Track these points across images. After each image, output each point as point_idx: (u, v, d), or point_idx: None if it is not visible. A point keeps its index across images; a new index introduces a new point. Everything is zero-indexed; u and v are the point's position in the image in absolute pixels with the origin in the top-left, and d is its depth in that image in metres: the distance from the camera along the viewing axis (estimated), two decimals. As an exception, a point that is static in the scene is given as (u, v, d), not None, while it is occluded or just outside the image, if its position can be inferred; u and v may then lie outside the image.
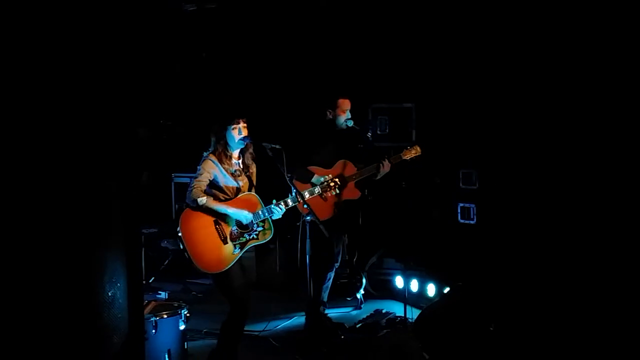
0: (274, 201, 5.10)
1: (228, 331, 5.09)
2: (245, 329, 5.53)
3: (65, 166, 3.56)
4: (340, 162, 6.09)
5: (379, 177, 6.13)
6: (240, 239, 5.04)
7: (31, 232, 3.42)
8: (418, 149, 6.13)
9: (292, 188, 5.13)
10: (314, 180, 5.87)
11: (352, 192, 6.13)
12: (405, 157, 6.10)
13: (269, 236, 5.15)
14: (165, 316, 5.01)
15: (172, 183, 8.82)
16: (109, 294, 3.68)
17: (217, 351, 5.13)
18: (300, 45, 8.20)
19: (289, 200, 5.14)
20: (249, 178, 5.22)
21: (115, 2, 3.85)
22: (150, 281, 7.74)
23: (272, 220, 5.14)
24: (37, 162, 3.46)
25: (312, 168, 5.96)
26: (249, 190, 5.18)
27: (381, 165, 6.02)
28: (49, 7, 3.48)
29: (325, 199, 5.85)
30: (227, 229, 5.01)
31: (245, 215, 5.00)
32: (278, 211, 5.08)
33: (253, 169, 5.27)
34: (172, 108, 8.88)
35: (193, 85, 8.89)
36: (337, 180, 5.47)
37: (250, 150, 5.19)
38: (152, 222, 8.06)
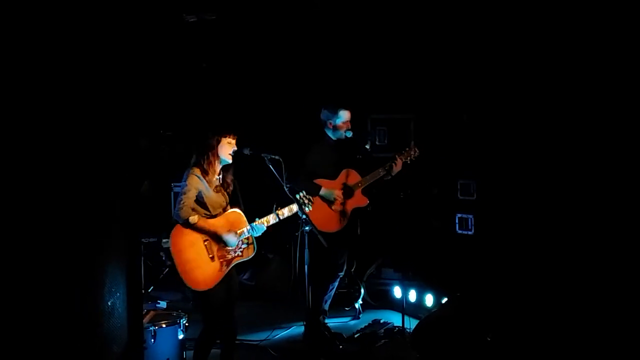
0: (257, 219, 5.11)
1: (199, 347, 5.09)
2: (244, 338, 5.55)
3: (66, 176, 3.59)
4: (344, 172, 6.13)
5: (393, 175, 6.11)
6: (227, 256, 5.04)
7: (32, 241, 3.45)
8: (416, 149, 6.18)
9: (293, 198, 5.13)
10: (322, 193, 5.94)
11: (359, 200, 6.16)
12: (405, 159, 6.13)
13: (252, 253, 5.15)
14: (164, 325, 5.03)
15: (172, 192, 8.83)
16: (109, 304, 3.71)
17: None
18: (300, 56, 8.23)
19: (270, 218, 5.15)
20: (226, 193, 5.21)
21: (117, 14, 3.89)
22: (149, 290, 7.74)
23: (255, 237, 5.15)
24: (39, 172, 3.49)
25: (318, 181, 5.99)
26: (226, 207, 5.17)
27: (394, 164, 6.05)
28: (52, 20, 3.52)
29: (334, 210, 5.92)
30: (215, 247, 5.00)
31: (232, 241, 5.01)
32: (259, 229, 5.10)
33: (231, 187, 5.26)
34: (171, 118, 8.91)
35: (193, 96, 8.92)
36: (310, 197, 5.42)
37: (231, 172, 5.18)
38: (151, 232, 8.06)
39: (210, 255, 4.98)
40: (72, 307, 3.53)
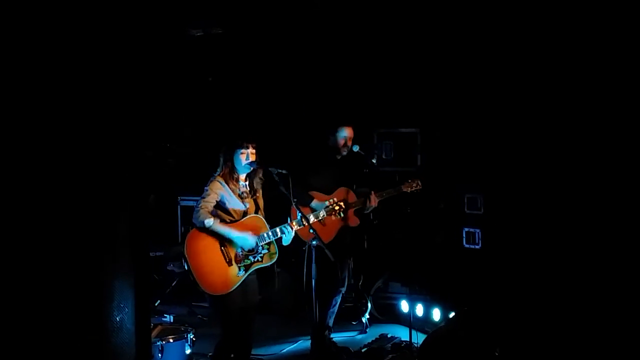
0: (287, 224, 5.13)
1: (218, 353, 5.10)
2: (251, 353, 5.50)
3: (73, 190, 3.59)
4: (341, 190, 6.08)
5: (367, 212, 6.14)
6: (245, 261, 5.05)
7: (39, 256, 3.45)
8: (419, 182, 6.17)
9: (298, 212, 5.15)
10: (312, 205, 5.88)
11: (352, 220, 6.14)
12: (405, 190, 6.13)
13: (274, 259, 5.16)
14: (171, 340, 5.03)
15: (178, 206, 8.85)
16: (117, 319, 3.70)
17: None
18: (306, 70, 8.26)
19: (294, 223, 5.17)
20: (255, 201, 5.25)
21: (124, 28, 3.91)
22: (156, 304, 7.74)
23: (278, 244, 5.16)
24: (47, 186, 3.50)
25: (312, 193, 5.97)
26: (257, 212, 5.20)
27: (368, 200, 6.02)
28: (60, 35, 3.54)
29: (323, 224, 5.87)
30: (232, 251, 5.02)
31: (247, 240, 5.01)
32: (288, 232, 5.11)
33: (260, 193, 5.30)
34: (178, 131, 8.94)
35: (199, 109, 8.96)
36: (341, 204, 5.48)
37: (260, 175, 5.22)
38: (158, 245, 8.07)
39: (227, 260, 4.98)
40: (81, 323, 3.53)
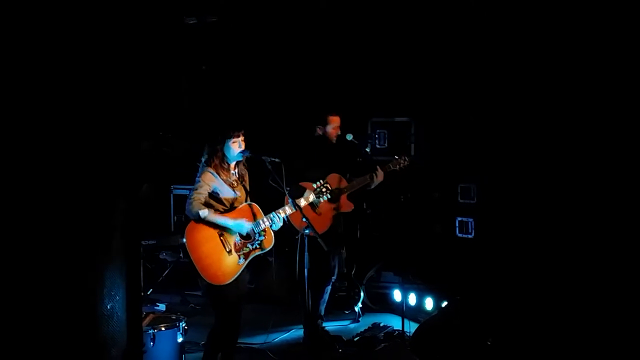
0: (273, 212, 5.13)
1: (214, 343, 5.11)
2: (243, 341, 5.53)
3: (66, 179, 3.58)
4: (332, 176, 6.07)
5: (373, 187, 6.14)
6: (244, 249, 5.05)
7: (31, 244, 3.44)
8: (407, 158, 6.19)
9: (290, 201, 5.15)
10: (305, 194, 5.88)
11: (345, 205, 6.15)
12: (394, 167, 6.14)
13: (271, 244, 5.16)
14: (163, 329, 5.01)
15: (171, 195, 8.84)
16: (108, 307, 3.70)
17: None
18: (300, 59, 8.23)
19: (286, 208, 5.17)
20: (244, 187, 5.25)
21: (117, 16, 3.88)
22: (149, 293, 7.73)
23: (273, 230, 5.17)
24: (40, 174, 3.49)
25: (303, 184, 5.95)
26: (247, 198, 5.20)
27: (375, 175, 6.05)
28: (53, 24, 3.52)
29: (319, 214, 5.87)
30: (231, 240, 5.02)
31: (244, 226, 5.01)
32: (277, 220, 5.11)
33: (247, 177, 5.30)
34: (171, 120, 8.90)
35: (192, 98, 8.92)
36: (328, 185, 5.46)
37: (244, 161, 5.22)
38: (150, 234, 8.06)
39: (228, 249, 4.98)
40: (72, 310, 3.52)
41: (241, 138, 5.10)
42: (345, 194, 6.11)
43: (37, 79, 3.49)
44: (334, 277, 6.33)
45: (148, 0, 4.58)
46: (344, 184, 6.11)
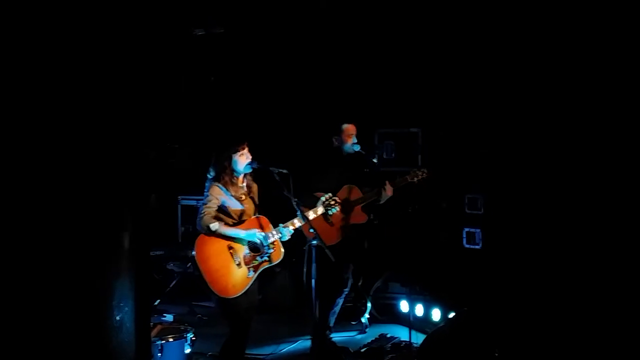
0: (281, 224, 5.15)
1: (228, 353, 5.12)
2: (250, 352, 5.52)
3: (75, 189, 3.60)
4: (345, 187, 6.06)
5: (382, 202, 6.13)
6: (253, 262, 5.07)
7: (40, 255, 3.45)
8: (426, 171, 6.15)
9: (298, 213, 5.16)
10: (315, 207, 5.88)
11: (359, 216, 6.11)
12: (410, 180, 6.11)
13: (280, 257, 5.17)
14: (171, 339, 5.02)
15: (179, 205, 8.86)
16: (117, 319, 3.70)
17: None
18: (308, 70, 8.26)
19: (295, 221, 5.18)
20: (252, 199, 5.26)
21: (126, 27, 3.91)
22: (156, 304, 7.74)
23: (282, 242, 5.18)
24: (48, 185, 3.50)
25: (317, 194, 5.97)
26: (255, 211, 5.22)
27: (383, 190, 6.04)
28: (63, 35, 3.54)
29: (331, 224, 5.87)
30: (241, 253, 5.04)
31: (256, 235, 5.03)
32: (285, 233, 5.12)
33: (254, 188, 5.32)
34: (179, 131, 8.93)
35: (201, 109, 8.96)
36: (337, 198, 5.47)
37: (250, 175, 5.24)
38: (158, 245, 8.08)
39: (237, 262, 5.00)
40: (81, 322, 3.53)
41: (246, 149, 5.12)
42: (359, 206, 6.09)
43: (47, 90, 3.52)
44: (346, 290, 6.28)
45: (157, 12, 4.60)
46: (355, 195, 6.10)
